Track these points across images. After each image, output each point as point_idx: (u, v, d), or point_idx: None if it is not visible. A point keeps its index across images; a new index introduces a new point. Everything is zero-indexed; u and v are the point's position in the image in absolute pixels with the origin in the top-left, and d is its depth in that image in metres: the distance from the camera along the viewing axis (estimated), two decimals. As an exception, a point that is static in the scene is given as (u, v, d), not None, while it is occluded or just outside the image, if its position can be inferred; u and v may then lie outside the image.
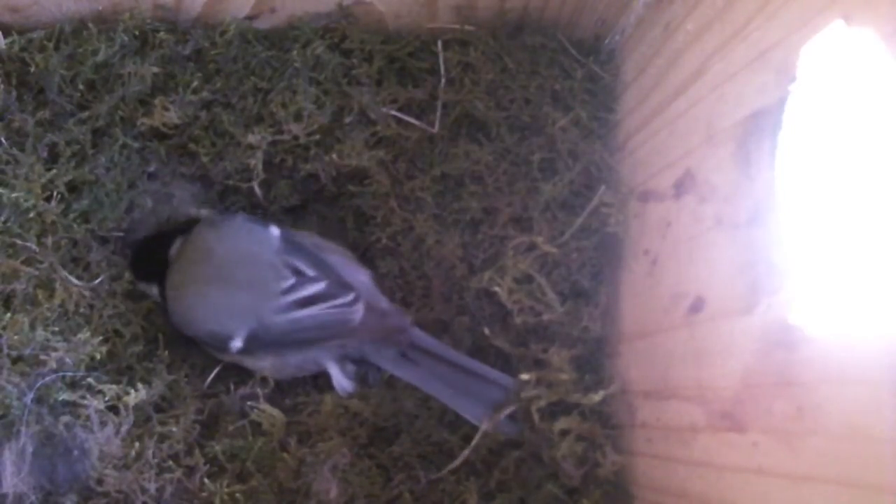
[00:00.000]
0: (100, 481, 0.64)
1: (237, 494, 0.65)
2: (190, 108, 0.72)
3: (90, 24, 0.72)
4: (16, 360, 0.65)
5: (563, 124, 0.73)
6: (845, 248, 0.43)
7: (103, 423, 0.64)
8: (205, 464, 0.66)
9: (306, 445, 0.67)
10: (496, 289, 0.69)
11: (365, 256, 0.76)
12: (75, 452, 0.63)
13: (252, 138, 0.72)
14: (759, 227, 0.51)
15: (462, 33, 0.75)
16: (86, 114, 0.72)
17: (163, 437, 0.66)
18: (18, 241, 0.68)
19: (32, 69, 0.71)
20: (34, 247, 0.68)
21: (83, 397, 0.65)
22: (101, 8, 0.72)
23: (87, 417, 0.64)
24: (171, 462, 0.65)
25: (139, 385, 0.67)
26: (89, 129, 0.72)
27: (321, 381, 0.73)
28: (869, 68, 0.42)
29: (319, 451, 0.66)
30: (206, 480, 0.65)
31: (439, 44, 0.75)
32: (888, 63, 0.40)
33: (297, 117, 0.73)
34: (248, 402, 0.69)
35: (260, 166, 0.73)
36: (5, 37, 0.72)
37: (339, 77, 0.74)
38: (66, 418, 0.64)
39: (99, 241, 0.72)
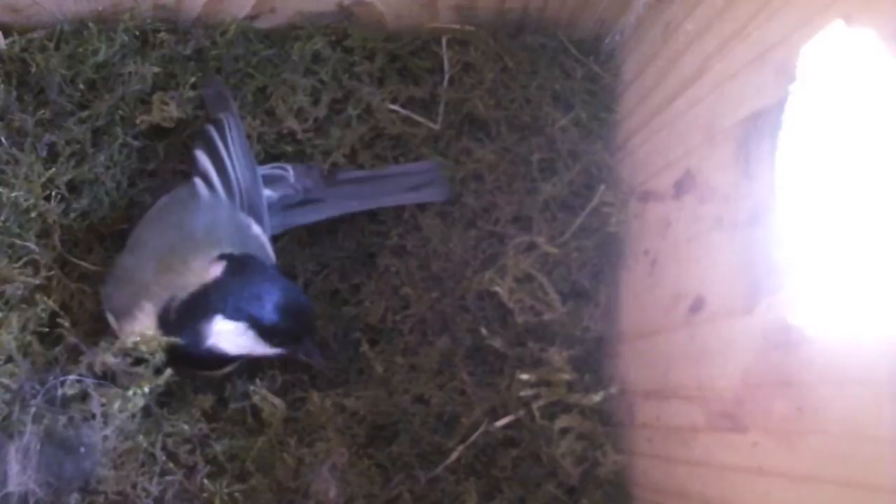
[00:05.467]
0: (100, 481, 0.64)
1: (236, 494, 0.65)
2: (189, 105, 0.72)
3: (90, 24, 0.72)
4: (8, 361, 0.65)
5: (563, 124, 0.73)
6: (845, 248, 0.43)
7: (105, 422, 0.64)
8: (205, 464, 0.66)
9: (305, 445, 0.67)
10: (497, 288, 0.69)
11: (372, 255, 0.76)
12: (81, 449, 0.63)
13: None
14: (759, 227, 0.51)
15: (462, 33, 0.76)
16: (86, 113, 0.72)
17: (165, 437, 0.66)
18: (18, 241, 0.68)
19: (33, 69, 0.71)
20: (34, 247, 0.69)
21: (86, 395, 0.65)
22: (101, 8, 0.72)
23: (91, 415, 0.64)
24: (171, 464, 0.65)
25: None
26: (89, 129, 0.72)
27: (319, 380, 0.72)
28: (869, 68, 0.42)
29: (318, 451, 0.66)
30: (205, 481, 0.65)
31: (443, 42, 0.75)
32: (888, 63, 0.40)
33: (297, 112, 0.73)
34: (251, 388, 0.69)
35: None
36: (5, 37, 0.72)
37: (341, 73, 0.75)
38: (70, 415, 0.64)
39: (99, 241, 0.73)
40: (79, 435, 0.63)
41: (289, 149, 0.75)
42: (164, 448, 0.66)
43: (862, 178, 0.42)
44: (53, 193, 0.70)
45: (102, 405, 0.64)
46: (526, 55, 0.75)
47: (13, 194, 0.68)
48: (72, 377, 0.63)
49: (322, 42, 0.75)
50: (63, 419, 0.63)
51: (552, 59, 0.75)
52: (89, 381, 0.64)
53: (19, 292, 0.68)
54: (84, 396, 0.64)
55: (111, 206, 0.72)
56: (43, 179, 0.70)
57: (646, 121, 0.68)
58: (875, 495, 0.39)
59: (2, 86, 0.71)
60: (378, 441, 0.68)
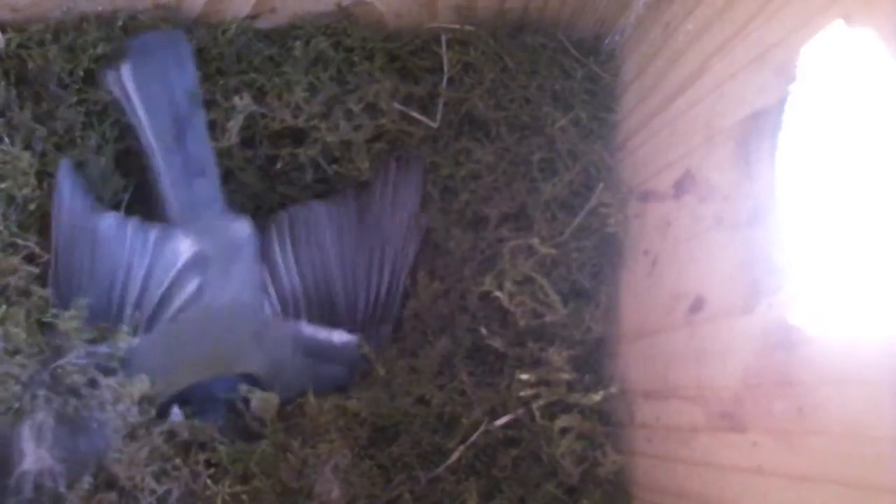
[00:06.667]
0: (115, 462, 0.64)
1: (243, 496, 0.65)
2: None
3: (90, 24, 0.72)
4: (17, 352, 0.65)
5: (562, 124, 0.73)
6: (845, 248, 0.43)
7: (116, 402, 0.65)
8: (208, 465, 0.66)
9: (308, 446, 0.67)
10: (497, 293, 0.69)
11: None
12: (94, 426, 0.63)
13: (238, 101, 0.72)
14: (759, 227, 0.51)
15: (462, 33, 0.75)
16: (78, 98, 0.72)
17: (168, 435, 0.66)
18: (19, 241, 0.68)
19: (31, 66, 0.71)
20: (33, 244, 0.69)
21: (93, 382, 0.65)
22: (100, 8, 0.72)
23: (100, 399, 0.64)
24: (177, 460, 0.65)
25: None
26: (83, 112, 0.72)
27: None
28: (869, 68, 0.42)
29: (321, 453, 0.66)
30: (208, 482, 0.65)
31: (443, 42, 0.75)
32: (888, 63, 0.40)
33: (296, 109, 0.74)
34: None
35: (236, 129, 0.73)
36: (4, 35, 0.72)
37: (344, 71, 0.75)
38: (80, 396, 0.64)
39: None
40: (90, 413, 0.64)
41: (287, 142, 0.75)
42: (167, 448, 0.66)
43: (862, 178, 0.42)
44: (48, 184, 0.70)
45: (108, 392, 0.64)
46: (526, 55, 0.75)
47: (13, 190, 0.69)
48: (79, 362, 0.63)
49: (325, 43, 0.75)
50: (73, 402, 0.63)
51: (552, 59, 0.75)
52: (93, 367, 0.64)
53: (21, 282, 0.68)
54: (92, 382, 0.64)
55: (103, 183, 0.73)
56: (35, 168, 0.70)
57: (646, 121, 0.68)
58: (875, 495, 0.39)
59: (1, 83, 0.71)
60: (379, 442, 0.68)
